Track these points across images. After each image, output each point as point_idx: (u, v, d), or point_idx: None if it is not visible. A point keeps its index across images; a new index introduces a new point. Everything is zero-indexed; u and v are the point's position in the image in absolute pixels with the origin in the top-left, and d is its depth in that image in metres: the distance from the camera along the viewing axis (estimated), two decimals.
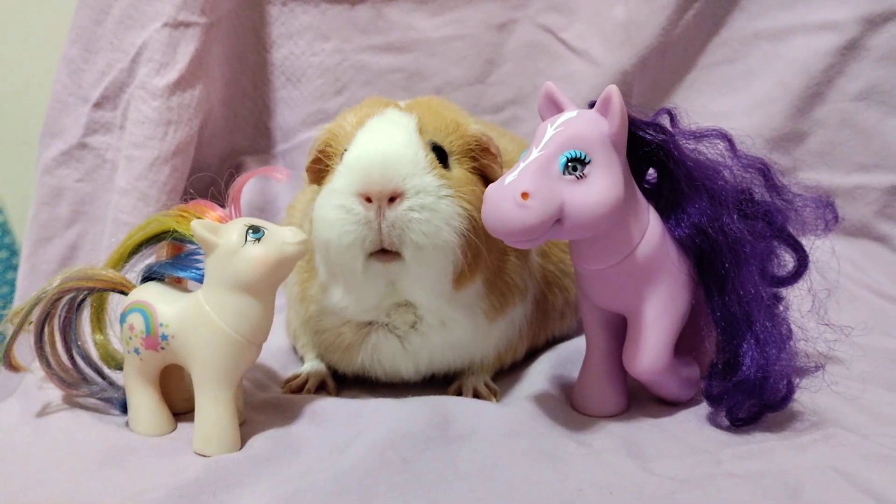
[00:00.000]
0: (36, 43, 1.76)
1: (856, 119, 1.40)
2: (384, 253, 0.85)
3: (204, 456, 0.81)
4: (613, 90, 0.78)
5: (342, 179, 0.85)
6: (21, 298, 1.42)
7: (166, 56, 1.34)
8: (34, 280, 1.41)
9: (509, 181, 0.76)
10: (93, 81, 1.41)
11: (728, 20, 1.45)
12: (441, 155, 0.88)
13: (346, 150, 0.87)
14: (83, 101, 1.41)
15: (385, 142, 0.85)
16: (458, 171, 0.89)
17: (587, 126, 0.79)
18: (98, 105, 1.41)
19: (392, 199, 0.82)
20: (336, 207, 0.84)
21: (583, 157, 0.77)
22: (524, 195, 0.74)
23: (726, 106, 1.43)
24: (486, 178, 0.91)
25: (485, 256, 0.89)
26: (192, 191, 0.89)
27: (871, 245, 1.40)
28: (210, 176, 1.24)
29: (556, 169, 0.77)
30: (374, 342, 0.93)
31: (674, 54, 1.45)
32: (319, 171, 0.92)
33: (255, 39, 1.54)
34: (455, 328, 0.93)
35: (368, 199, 0.82)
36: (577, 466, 0.80)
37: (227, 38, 1.48)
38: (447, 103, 0.97)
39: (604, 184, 0.77)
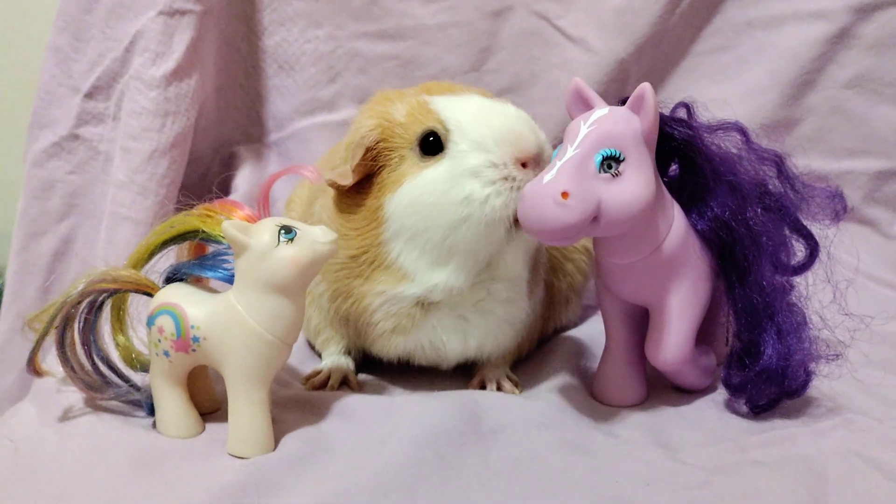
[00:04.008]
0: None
1: (846, 106, 1.43)
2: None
3: (239, 457, 0.81)
4: (647, 88, 0.79)
5: (484, 155, 0.85)
6: (14, 297, 1.38)
7: (162, 45, 1.31)
8: (26, 276, 1.37)
9: (548, 180, 0.76)
10: (83, 71, 1.37)
11: (721, 8, 1.47)
12: None
13: (430, 135, 0.88)
14: (74, 92, 1.37)
15: (503, 109, 0.89)
16: None
17: (620, 124, 0.79)
18: (90, 95, 1.37)
19: (539, 161, 0.86)
20: (492, 182, 0.84)
21: (617, 155, 0.78)
22: (564, 194, 0.74)
23: (720, 93, 1.44)
24: None
25: None
26: (217, 191, 0.87)
27: (859, 229, 1.44)
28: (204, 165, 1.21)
29: (593, 167, 0.77)
30: (432, 323, 0.93)
31: (669, 42, 1.46)
32: (366, 167, 0.91)
33: (247, 27, 1.51)
34: (517, 303, 0.95)
35: (524, 165, 0.85)
36: (609, 458, 0.81)
37: (217, 26, 1.45)
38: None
39: (638, 181, 0.78)
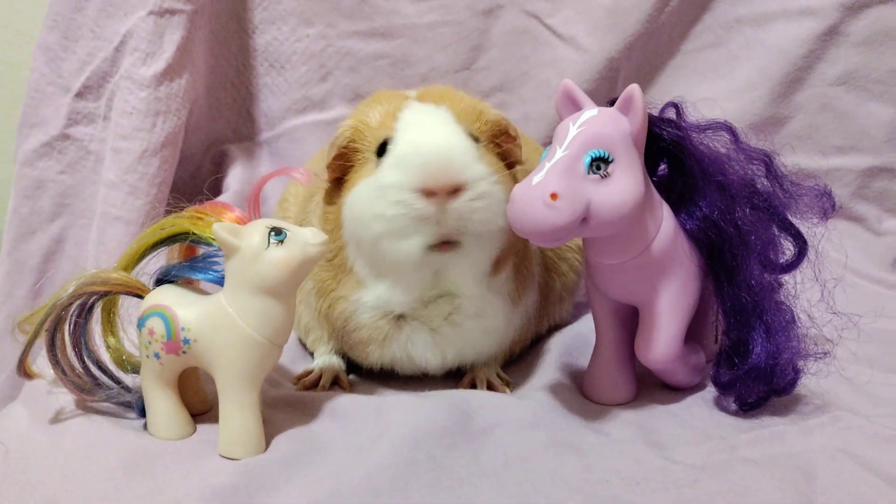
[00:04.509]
0: None
1: (834, 103, 1.45)
2: (443, 244, 0.85)
3: (230, 459, 0.81)
4: (636, 89, 0.79)
5: (395, 174, 0.84)
6: (4, 297, 1.38)
7: (152, 45, 1.31)
8: (17, 277, 1.37)
9: (537, 181, 0.76)
10: (73, 71, 1.36)
11: (711, 6, 1.48)
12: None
13: (385, 144, 0.87)
14: (64, 91, 1.37)
15: (435, 134, 0.85)
16: (489, 157, 0.90)
17: (609, 125, 0.80)
18: (80, 95, 1.37)
19: (454, 192, 0.83)
20: (393, 204, 0.83)
21: (606, 157, 0.78)
22: (553, 196, 0.75)
23: (710, 91, 1.45)
24: (507, 161, 0.93)
25: (518, 239, 0.91)
26: (207, 192, 0.87)
27: (848, 225, 1.45)
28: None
29: (582, 168, 0.78)
30: (406, 335, 0.93)
31: (658, 40, 1.47)
32: (341, 166, 0.91)
33: (237, 25, 1.50)
34: (491, 315, 0.94)
35: (430, 194, 0.83)
36: (600, 457, 0.82)
37: (208, 25, 1.44)
38: (458, 90, 0.98)
39: (627, 182, 0.79)
